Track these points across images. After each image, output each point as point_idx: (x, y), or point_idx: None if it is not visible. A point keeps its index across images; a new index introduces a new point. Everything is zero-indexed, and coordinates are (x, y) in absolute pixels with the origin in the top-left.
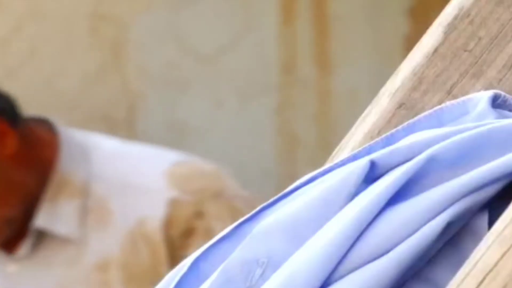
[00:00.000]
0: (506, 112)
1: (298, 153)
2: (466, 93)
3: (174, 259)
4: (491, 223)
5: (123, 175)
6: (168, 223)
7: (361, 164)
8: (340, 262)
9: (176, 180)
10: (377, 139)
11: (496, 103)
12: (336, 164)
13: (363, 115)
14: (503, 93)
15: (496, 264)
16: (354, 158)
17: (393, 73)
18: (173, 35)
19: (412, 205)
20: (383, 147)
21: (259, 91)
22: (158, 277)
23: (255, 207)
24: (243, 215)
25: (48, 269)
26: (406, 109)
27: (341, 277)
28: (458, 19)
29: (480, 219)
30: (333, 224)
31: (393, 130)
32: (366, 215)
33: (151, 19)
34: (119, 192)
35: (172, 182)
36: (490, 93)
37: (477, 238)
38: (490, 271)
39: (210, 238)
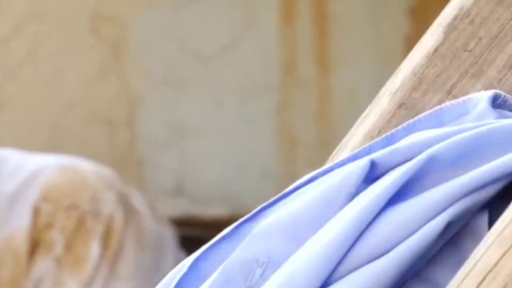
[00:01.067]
0: (506, 112)
1: (298, 153)
2: (466, 93)
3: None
4: (491, 223)
5: (15, 191)
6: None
7: (361, 164)
8: (340, 262)
9: (46, 188)
10: (377, 139)
11: (496, 103)
12: (336, 164)
13: (363, 115)
14: (503, 93)
15: (496, 264)
16: (354, 158)
17: (393, 73)
18: (173, 35)
19: (412, 205)
20: (383, 147)
21: (259, 91)
22: None
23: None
24: (88, 234)
25: None
26: (406, 109)
27: (341, 277)
28: (458, 19)
29: (480, 219)
30: (333, 224)
31: (393, 130)
32: (366, 215)
33: (151, 19)
34: (8, 210)
35: (42, 190)
36: (490, 93)
37: (477, 238)
38: (490, 271)
39: (51, 252)
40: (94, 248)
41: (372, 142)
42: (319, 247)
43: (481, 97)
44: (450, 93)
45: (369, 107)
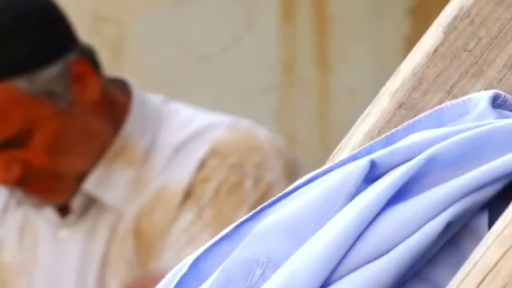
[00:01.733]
0: (506, 112)
1: (298, 153)
2: (466, 93)
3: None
4: (491, 223)
5: (181, 143)
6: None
7: (361, 164)
8: (340, 262)
9: (216, 143)
10: (377, 139)
11: (496, 103)
12: (336, 164)
13: (363, 115)
14: (503, 93)
15: (496, 264)
16: (354, 158)
17: (393, 73)
18: (173, 35)
19: (412, 205)
20: (383, 147)
21: (259, 91)
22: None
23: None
24: (242, 197)
25: (93, 236)
26: (406, 109)
27: (341, 277)
28: (458, 19)
29: (480, 219)
30: (333, 224)
31: (393, 130)
32: (366, 215)
33: (151, 19)
34: (170, 159)
35: (211, 144)
36: (490, 93)
37: (477, 238)
38: (490, 271)
39: (198, 204)
40: (242, 213)
41: (372, 142)
42: (319, 247)
43: (481, 97)
44: (450, 93)
45: (369, 107)
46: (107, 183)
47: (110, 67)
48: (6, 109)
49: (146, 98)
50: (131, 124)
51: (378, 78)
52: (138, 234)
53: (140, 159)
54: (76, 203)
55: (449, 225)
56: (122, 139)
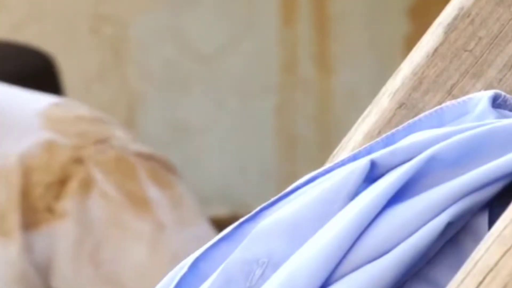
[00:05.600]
0: (507, 112)
1: (298, 153)
2: (467, 93)
3: (32, 210)
4: (491, 223)
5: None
6: (38, 167)
7: (361, 164)
8: (340, 262)
9: (52, 121)
10: (377, 139)
11: (497, 103)
12: (336, 164)
13: (363, 115)
14: (503, 93)
15: (496, 264)
16: (354, 158)
17: (393, 73)
18: (173, 35)
19: (412, 205)
20: (384, 147)
21: (259, 91)
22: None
23: (152, 165)
24: (133, 170)
25: None
26: (406, 109)
27: (342, 277)
28: (458, 19)
29: (480, 219)
30: (333, 224)
31: (394, 130)
32: (366, 215)
33: (151, 19)
34: None
35: (47, 122)
36: (490, 93)
37: (477, 238)
38: (490, 271)
39: (88, 188)
40: None
41: (372, 142)
42: (319, 247)
43: (481, 97)
44: (451, 93)
45: (369, 107)
46: None
47: (110, 67)
48: None
49: None
50: None
51: (378, 78)
52: None
53: None
54: None
55: (449, 225)
56: None
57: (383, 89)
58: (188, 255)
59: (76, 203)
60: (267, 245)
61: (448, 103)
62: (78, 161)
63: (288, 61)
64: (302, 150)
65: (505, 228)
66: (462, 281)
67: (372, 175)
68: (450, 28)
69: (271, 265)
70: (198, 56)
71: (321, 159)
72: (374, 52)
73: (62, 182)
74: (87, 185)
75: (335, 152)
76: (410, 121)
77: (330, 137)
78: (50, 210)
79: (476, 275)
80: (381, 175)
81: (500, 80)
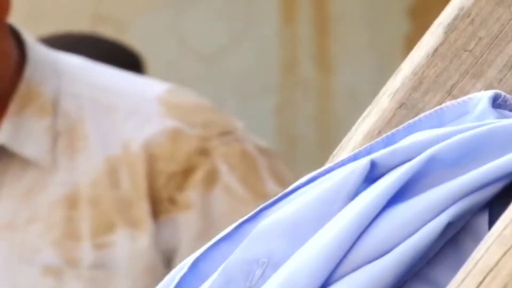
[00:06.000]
0: (507, 112)
1: (298, 153)
2: (467, 93)
3: (156, 199)
4: (491, 223)
5: (98, 93)
6: (163, 156)
7: (362, 164)
8: (340, 262)
9: (173, 108)
10: (377, 139)
11: (497, 103)
12: (336, 164)
13: (363, 115)
14: (503, 93)
15: (496, 264)
16: (354, 158)
17: (393, 73)
18: (173, 35)
19: (412, 205)
20: (384, 147)
21: (259, 91)
22: (131, 213)
23: (270, 160)
24: (255, 164)
25: (7, 195)
26: (406, 109)
27: (342, 277)
28: (458, 19)
29: (480, 219)
30: (333, 224)
31: (394, 130)
32: (366, 215)
33: (151, 19)
34: (94, 112)
35: (168, 109)
36: (490, 93)
37: (477, 238)
38: (491, 270)
39: (212, 180)
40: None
41: (372, 142)
42: (319, 247)
43: (482, 97)
44: (451, 93)
45: (369, 107)
46: (22, 132)
47: None
48: None
49: (36, 44)
50: (32, 67)
51: (378, 78)
52: (95, 202)
53: (51, 107)
54: None
55: (449, 225)
56: (27, 82)
57: (383, 89)
58: None
59: (200, 195)
60: (267, 245)
61: (448, 103)
62: (204, 152)
63: (288, 61)
64: (302, 150)
65: (505, 228)
66: (462, 281)
67: (372, 175)
68: (450, 28)
69: (271, 265)
70: (198, 56)
71: (321, 159)
72: (374, 52)
73: (186, 173)
74: (212, 178)
75: (335, 152)
76: (410, 121)
77: (330, 137)
78: (172, 201)
79: (476, 275)
80: (381, 175)
81: (500, 80)
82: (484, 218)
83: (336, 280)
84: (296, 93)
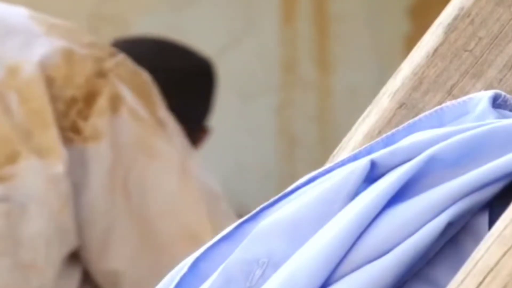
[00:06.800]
0: (507, 112)
1: (298, 153)
2: (467, 93)
3: (59, 126)
4: (491, 223)
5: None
6: (60, 79)
7: (362, 164)
8: (340, 262)
9: (54, 27)
10: (377, 139)
11: (497, 103)
12: (336, 164)
13: (363, 115)
14: (503, 93)
15: (496, 264)
16: (354, 158)
17: (393, 73)
18: (174, 35)
19: (412, 205)
20: (384, 147)
21: (259, 91)
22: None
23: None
24: (148, 85)
25: None
26: (406, 109)
27: (342, 277)
28: (458, 19)
29: (480, 219)
30: (333, 224)
31: (394, 130)
32: (366, 215)
33: (151, 19)
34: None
35: (49, 28)
36: (490, 93)
37: (478, 238)
38: (491, 271)
39: (117, 106)
40: None
41: (372, 142)
42: (319, 247)
43: (482, 97)
44: (451, 93)
45: (369, 107)
46: None
47: None
48: None
49: None
50: None
51: (378, 78)
52: None
53: None
54: None
55: (449, 225)
56: None
57: (383, 89)
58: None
59: (107, 123)
60: (267, 245)
61: (448, 103)
62: (102, 74)
63: (288, 61)
64: (302, 150)
65: (505, 228)
66: (462, 281)
67: (372, 175)
68: (450, 28)
69: (271, 265)
70: None
71: (321, 159)
72: (374, 52)
73: (88, 98)
74: (116, 102)
75: (335, 152)
76: (410, 121)
77: (330, 137)
78: (76, 130)
79: (476, 275)
80: (381, 175)
81: (500, 80)
82: (484, 218)
83: (336, 280)
84: (296, 93)
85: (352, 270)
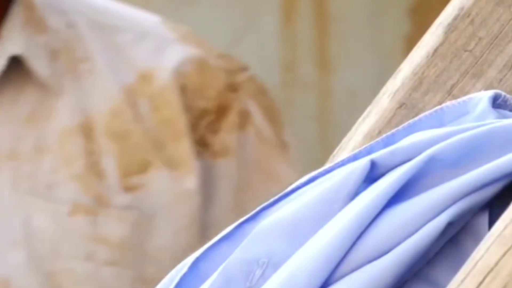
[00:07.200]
0: (507, 112)
1: (298, 153)
2: (467, 93)
3: (194, 136)
4: (491, 223)
5: (95, 13)
6: (192, 89)
7: (362, 164)
8: (340, 262)
9: (185, 35)
10: (377, 139)
11: (497, 103)
12: (336, 164)
13: (363, 115)
14: (503, 93)
15: (496, 264)
16: (354, 158)
17: (393, 73)
18: None
19: (412, 205)
20: (384, 147)
21: None
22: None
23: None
24: (275, 105)
25: (5, 119)
26: (406, 109)
27: (342, 277)
28: (458, 19)
29: (480, 219)
30: (333, 224)
31: (394, 130)
32: (366, 215)
33: None
34: (92, 32)
35: (181, 36)
36: (490, 93)
37: (478, 238)
38: (491, 271)
39: (245, 123)
40: None
41: (372, 142)
42: (319, 247)
43: (482, 97)
44: (451, 93)
45: (369, 107)
46: (30, 42)
47: None
48: None
49: None
50: None
51: (378, 78)
52: (119, 136)
53: (43, 21)
54: None
55: (449, 225)
56: None
57: (383, 89)
58: None
59: (236, 139)
60: (267, 245)
61: (448, 103)
62: (233, 88)
63: (288, 61)
64: (302, 150)
65: (505, 228)
66: (462, 281)
67: (372, 175)
68: (450, 28)
69: (271, 265)
70: None
71: (321, 159)
72: (374, 52)
73: (219, 112)
74: (244, 119)
75: (335, 152)
76: (410, 121)
77: (330, 137)
78: (204, 144)
79: (476, 275)
80: (381, 175)
81: (500, 80)
82: (484, 218)
83: (336, 280)
84: (296, 93)
85: (352, 270)
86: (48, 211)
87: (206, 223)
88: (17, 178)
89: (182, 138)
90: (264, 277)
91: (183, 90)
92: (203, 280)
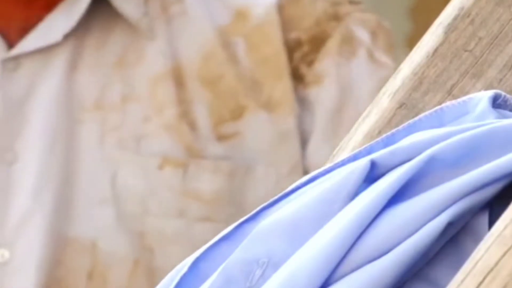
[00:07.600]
0: (507, 112)
1: None
2: (467, 93)
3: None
4: (491, 223)
5: None
6: (289, 20)
7: (362, 164)
8: (340, 262)
9: None
10: (377, 139)
11: (497, 103)
12: (336, 164)
13: (363, 115)
14: (503, 93)
15: (496, 264)
16: (354, 158)
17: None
18: None
19: (412, 205)
20: (384, 147)
21: None
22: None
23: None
24: (392, 41)
25: (92, 63)
26: (406, 109)
27: (342, 277)
28: (458, 19)
29: (480, 219)
30: (333, 224)
31: (394, 130)
32: (366, 215)
33: None
34: None
35: None
36: (490, 93)
37: (478, 238)
38: (491, 271)
39: (350, 48)
40: None
41: (372, 142)
42: (319, 247)
43: (482, 97)
44: (451, 93)
45: (369, 107)
46: None
47: None
48: None
49: None
50: None
51: None
52: (211, 82)
53: None
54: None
55: (449, 225)
56: None
57: (383, 89)
58: None
59: (335, 63)
60: (267, 245)
61: (448, 103)
62: (336, 17)
63: None
64: None
65: (505, 228)
66: (462, 281)
67: (372, 175)
68: (450, 28)
69: (271, 265)
70: None
71: None
72: None
73: (315, 42)
74: (349, 44)
75: (335, 152)
76: (410, 121)
77: None
78: (298, 76)
79: (476, 275)
80: (381, 175)
81: (500, 80)
82: (484, 218)
83: (336, 280)
84: None
85: (352, 270)
86: (137, 165)
87: (305, 167)
88: (103, 130)
89: (283, 77)
90: (264, 277)
91: (281, 24)
92: (203, 280)
